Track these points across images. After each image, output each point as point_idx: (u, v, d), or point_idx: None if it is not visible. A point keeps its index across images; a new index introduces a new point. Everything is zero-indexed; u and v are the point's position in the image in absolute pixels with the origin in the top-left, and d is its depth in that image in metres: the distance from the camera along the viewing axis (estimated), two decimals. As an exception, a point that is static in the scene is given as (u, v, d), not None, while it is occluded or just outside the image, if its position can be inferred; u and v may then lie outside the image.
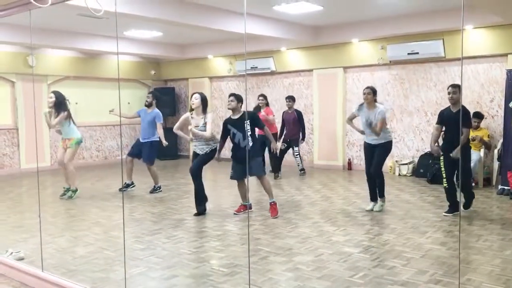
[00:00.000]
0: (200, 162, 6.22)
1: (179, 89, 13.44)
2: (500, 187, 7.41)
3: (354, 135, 10.23)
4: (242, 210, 6.20)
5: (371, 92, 6.21)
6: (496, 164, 7.96)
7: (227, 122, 6.08)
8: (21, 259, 4.41)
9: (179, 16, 7.45)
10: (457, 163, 5.72)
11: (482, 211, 6.17)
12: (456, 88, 5.87)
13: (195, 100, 6.21)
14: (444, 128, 6.14)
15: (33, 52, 10.57)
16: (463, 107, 6.13)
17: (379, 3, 7.56)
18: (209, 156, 6.25)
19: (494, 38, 8.27)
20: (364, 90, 6.32)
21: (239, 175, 6.05)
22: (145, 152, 7.84)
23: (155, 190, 7.89)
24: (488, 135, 8.12)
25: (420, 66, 9.29)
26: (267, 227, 5.59)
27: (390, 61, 9.49)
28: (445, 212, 5.99)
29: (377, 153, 6.26)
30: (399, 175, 9.29)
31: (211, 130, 6.19)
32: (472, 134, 7.31)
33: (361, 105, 6.37)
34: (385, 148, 6.30)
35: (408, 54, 9.04)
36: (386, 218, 5.96)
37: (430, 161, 8.64)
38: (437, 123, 6.18)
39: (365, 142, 6.46)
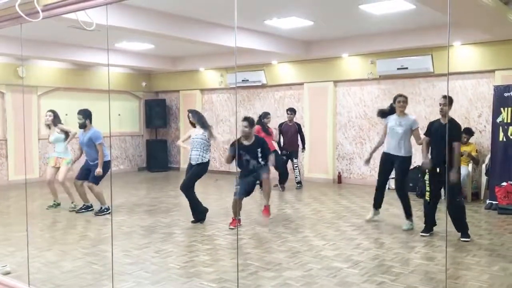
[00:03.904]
0: (191, 177, 6.46)
1: (170, 101, 13.44)
2: (488, 201, 7.47)
3: (345, 148, 10.28)
4: (235, 225, 6.14)
5: (406, 100, 6.22)
6: (484, 179, 8.04)
7: (240, 148, 6.16)
8: (7, 273, 4.35)
9: (171, 29, 7.49)
10: (444, 179, 5.53)
11: (471, 226, 6.19)
12: (446, 99, 5.64)
13: (192, 118, 6.60)
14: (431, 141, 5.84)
15: (24, 63, 10.52)
16: (453, 120, 5.87)
17: (369, 19, 7.64)
18: (202, 168, 6.45)
19: (481, 55, 8.40)
20: (399, 98, 6.21)
21: (241, 193, 6.14)
22: (93, 172, 7.14)
23: (101, 212, 7.14)
24: (476, 150, 8.22)
25: (409, 81, 9.39)
26: (257, 241, 5.58)
27: (379, 76, 9.59)
28: (422, 232, 5.71)
29: (397, 168, 6.20)
30: (388, 188, 9.27)
31: (211, 131, 6.53)
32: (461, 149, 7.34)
33: (387, 116, 6.39)
34: (406, 163, 6.21)
35: (398, 69, 9.15)
36: (375, 232, 5.98)
37: (419, 175, 8.67)
38: (425, 134, 5.90)
39: (384, 153, 6.33)
